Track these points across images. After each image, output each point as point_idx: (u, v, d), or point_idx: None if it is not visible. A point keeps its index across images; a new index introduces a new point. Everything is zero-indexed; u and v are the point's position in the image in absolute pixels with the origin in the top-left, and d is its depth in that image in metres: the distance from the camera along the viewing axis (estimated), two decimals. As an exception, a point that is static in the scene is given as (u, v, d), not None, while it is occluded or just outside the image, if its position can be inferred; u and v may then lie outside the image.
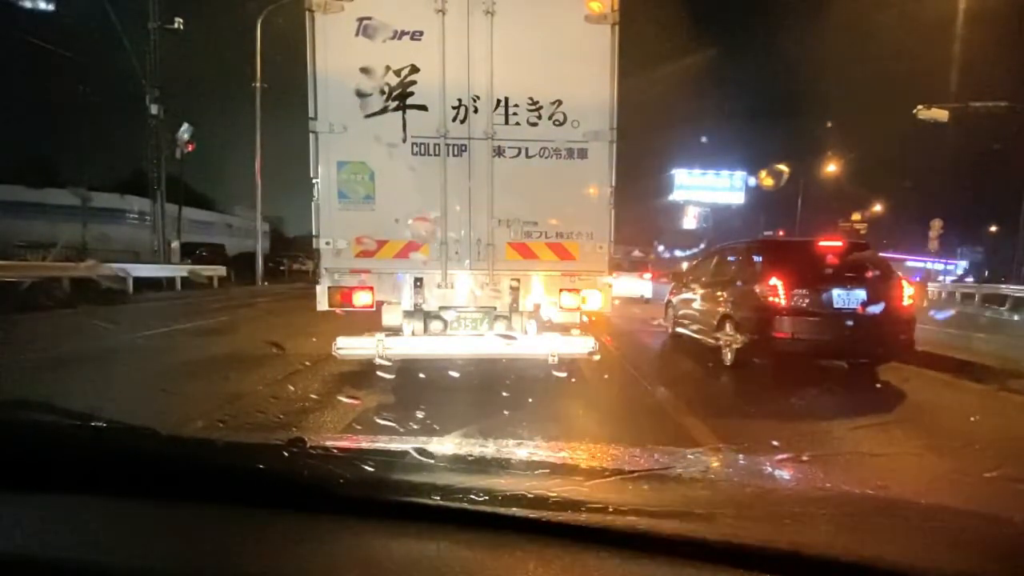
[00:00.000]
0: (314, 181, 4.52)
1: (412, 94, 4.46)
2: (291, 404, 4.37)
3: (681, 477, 1.13)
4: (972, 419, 4.63)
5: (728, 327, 6.56)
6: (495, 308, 4.77)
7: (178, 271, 18.62)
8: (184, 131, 19.98)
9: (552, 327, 4.88)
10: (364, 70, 4.42)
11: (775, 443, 2.87)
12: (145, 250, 21.18)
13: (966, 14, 16.83)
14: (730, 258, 7.59)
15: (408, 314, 4.72)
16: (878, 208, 42.10)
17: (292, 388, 4.86)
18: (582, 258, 4.64)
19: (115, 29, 18.29)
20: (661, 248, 46.08)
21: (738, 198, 58.29)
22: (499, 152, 4.55)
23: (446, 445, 1.35)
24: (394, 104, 4.45)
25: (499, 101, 4.50)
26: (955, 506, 1.05)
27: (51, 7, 18.22)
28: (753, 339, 6.07)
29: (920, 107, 16.41)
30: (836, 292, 5.78)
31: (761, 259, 6.61)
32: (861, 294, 5.80)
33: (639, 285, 16.01)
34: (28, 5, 18.27)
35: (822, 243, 6.73)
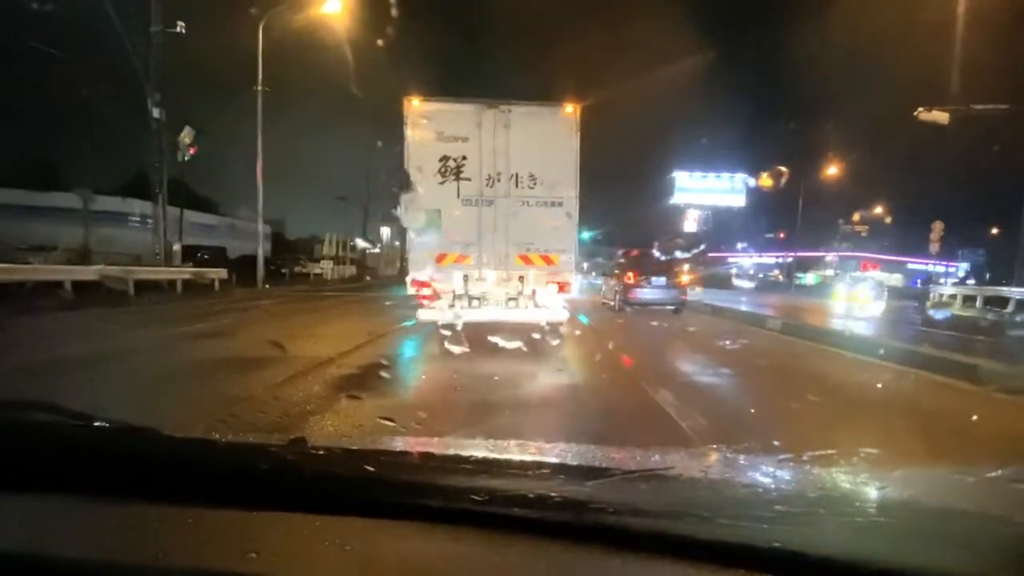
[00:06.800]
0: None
1: (463, 171, 7.38)
2: (292, 405, 4.37)
3: (681, 477, 1.13)
4: (972, 418, 4.62)
5: (616, 295, 15.05)
6: (509, 292, 7.62)
7: (180, 274, 18.62)
8: (186, 134, 19.98)
9: (544, 305, 7.66)
10: (440, 159, 7.34)
11: (776, 443, 2.87)
12: (147, 253, 21.13)
13: (967, 15, 16.82)
14: (620, 261, 16.99)
15: (457, 296, 7.51)
16: (879, 210, 42.11)
17: (294, 389, 4.86)
18: (560, 264, 7.60)
19: (118, 33, 18.30)
20: (659, 252, 45.89)
21: (739, 200, 58.24)
22: (512, 204, 7.40)
23: (447, 445, 1.35)
24: (452, 177, 7.39)
25: (513, 175, 7.40)
26: (955, 506, 1.05)
27: (54, 10, 18.28)
28: (624, 298, 14.70)
29: (921, 109, 16.42)
30: (654, 278, 14.73)
31: (624, 262, 16.27)
32: (664, 279, 14.78)
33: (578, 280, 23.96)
34: (32, 8, 18.32)
35: (650, 252, 18.66)
